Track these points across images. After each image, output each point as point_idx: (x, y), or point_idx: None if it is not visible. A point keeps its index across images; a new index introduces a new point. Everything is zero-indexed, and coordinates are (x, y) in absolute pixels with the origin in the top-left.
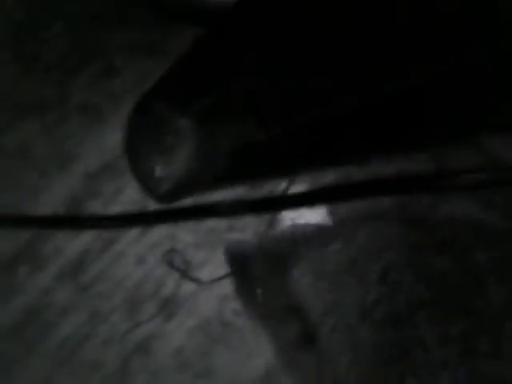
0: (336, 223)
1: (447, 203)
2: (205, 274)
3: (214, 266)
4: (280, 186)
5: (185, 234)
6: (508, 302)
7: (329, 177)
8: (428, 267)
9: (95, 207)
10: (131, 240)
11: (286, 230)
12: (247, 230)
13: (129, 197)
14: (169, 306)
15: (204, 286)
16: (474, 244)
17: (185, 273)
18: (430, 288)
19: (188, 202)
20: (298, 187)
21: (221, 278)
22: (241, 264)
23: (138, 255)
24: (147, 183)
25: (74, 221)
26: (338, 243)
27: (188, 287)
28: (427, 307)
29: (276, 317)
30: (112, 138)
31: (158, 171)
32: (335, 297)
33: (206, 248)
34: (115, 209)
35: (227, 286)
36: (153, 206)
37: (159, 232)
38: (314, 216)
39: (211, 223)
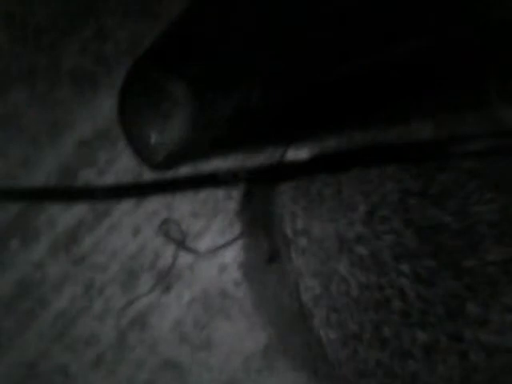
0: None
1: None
2: (203, 244)
3: (212, 235)
4: (279, 153)
5: (181, 204)
6: (503, 266)
7: (329, 144)
8: (420, 217)
9: (89, 176)
10: (126, 210)
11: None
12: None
13: (123, 165)
14: (166, 278)
15: (202, 256)
16: (475, 196)
17: (182, 244)
18: (420, 239)
19: (184, 170)
20: (298, 154)
21: (219, 248)
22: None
23: (133, 226)
24: (142, 151)
25: (66, 192)
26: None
27: (186, 258)
28: (413, 259)
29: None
30: (105, 104)
31: (154, 139)
32: (313, 222)
33: (204, 218)
34: (109, 178)
35: (226, 256)
36: (148, 174)
37: (155, 202)
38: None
39: (208, 192)
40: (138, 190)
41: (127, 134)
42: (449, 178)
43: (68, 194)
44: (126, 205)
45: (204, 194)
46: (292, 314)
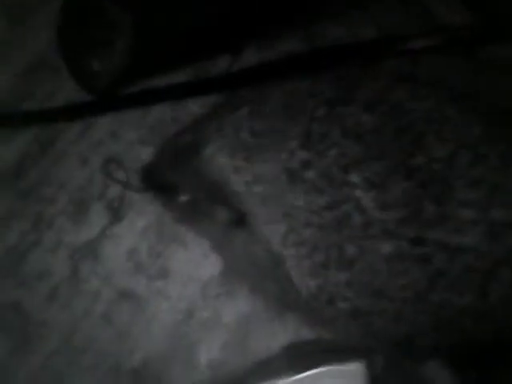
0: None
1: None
2: None
3: None
4: (224, 65)
5: (128, 131)
6: (449, 162)
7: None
8: (356, 123)
9: (31, 107)
10: (72, 140)
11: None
12: None
13: (65, 96)
14: (117, 207)
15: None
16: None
17: (125, 184)
18: (361, 145)
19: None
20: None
21: None
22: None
23: (80, 155)
24: (84, 79)
25: (8, 125)
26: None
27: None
28: (360, 166)
29: (202, 208)
30: (43, 34)
31: (95, 65)
32: (258, 166)
33: (152, 144)
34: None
35: None
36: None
37: (101, 130)
38: None
39: (154, 117)
40: (81, 111)
41: (67, 61)
42: (377, 84)
43: (11, 126)
44: (70, 134)
45: (151, 119)
46: (265, 266)
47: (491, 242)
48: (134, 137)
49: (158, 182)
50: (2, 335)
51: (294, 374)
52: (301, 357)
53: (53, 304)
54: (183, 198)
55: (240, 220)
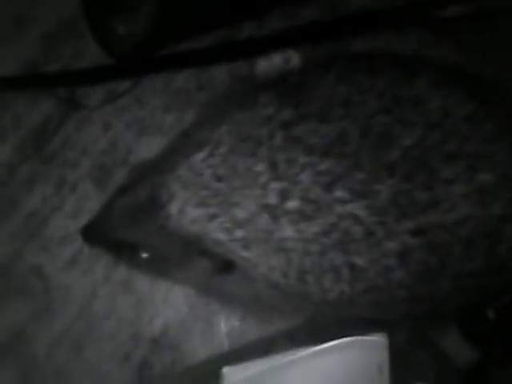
0: None
1: None
2: None
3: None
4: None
5: (152, 97)
6: (423, 142)
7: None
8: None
9: (55, 71)
10: (95, 104)
11: None
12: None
13: (89, 59)
14: None
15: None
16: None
17: None
18: (332, 159)
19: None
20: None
21: None
22: None
23: (103, 121)
24: (109, 43)
25: (32, 88)
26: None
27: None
28: (342, 179)
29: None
30: None
31: (120, 30)
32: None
33: (176, 110)
34: (76, 72)
35: None
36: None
37: (125, 96)
38: None
39: (179, 84)
40: (106, 76)
41: (93, 26)
42: (321, 91)
43: (35, 90)
44: (94, 99)
45: (175, 86)
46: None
47: (485, 206)
48: (157, 103)
49: (106, 240)
50: (23, 300)
51: (316, 345)
52: (323, 329)
53: (74, 269)
54: (145, 256)
55: (226, 266)
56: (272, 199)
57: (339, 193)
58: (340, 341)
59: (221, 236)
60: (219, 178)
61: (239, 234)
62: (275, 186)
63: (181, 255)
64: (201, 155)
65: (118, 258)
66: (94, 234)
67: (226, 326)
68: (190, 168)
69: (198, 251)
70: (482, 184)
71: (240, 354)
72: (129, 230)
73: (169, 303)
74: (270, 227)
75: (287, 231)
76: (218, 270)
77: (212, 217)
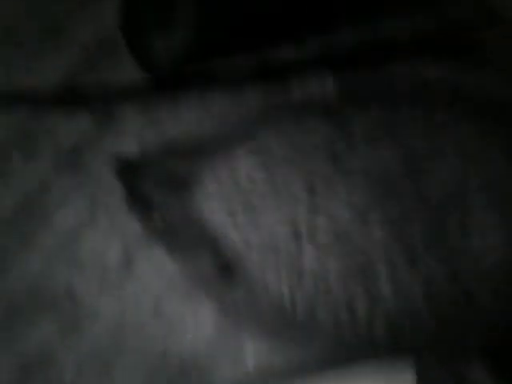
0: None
1: None
2: None
3: None
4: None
5: (186, 112)
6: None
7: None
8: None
9: (91, 86)
10: (130, 118)
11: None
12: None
13: (127, 72)
14: None
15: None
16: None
17: None
18: (370, 188)
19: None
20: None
21: None
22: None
23: (139, 135)
24: (145, 59)
25: (69, 103)
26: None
27: None
28: (377, 209)
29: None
30: (108, 10)
31: (156, 45)
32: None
33: (211, 126)
34: (113, 86)
35: None
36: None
37: (160, 110)
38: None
39: (213, 99)
40: (142, 93)
41: (129, 40)
42: (370, 119)
43: (71, 104)
44: (129, 113)
45: (209, 102)
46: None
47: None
48: (192, 118)
49: (136, 188)
50: (52, 317)
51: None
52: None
53: (104, 289)
54: (157, 220)
55: (228, 269)
56: (300, 215)
57: (370, 223)
58: (364, 365)
59: (236, 237)
60: (253, 181)
61: (255, 240)
62: (307, 203)
63: (190, 240)
64: (242, 151)
65: (140, 214)
66: (129, 173)
67: (254, 357)
68: (227, 160)
69: (207, 243)
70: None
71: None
72: (156, 192)
73: (198, 326)
74: (291, 248)
75: (305, 260)
76: (218, 269)
77: (232, 215)
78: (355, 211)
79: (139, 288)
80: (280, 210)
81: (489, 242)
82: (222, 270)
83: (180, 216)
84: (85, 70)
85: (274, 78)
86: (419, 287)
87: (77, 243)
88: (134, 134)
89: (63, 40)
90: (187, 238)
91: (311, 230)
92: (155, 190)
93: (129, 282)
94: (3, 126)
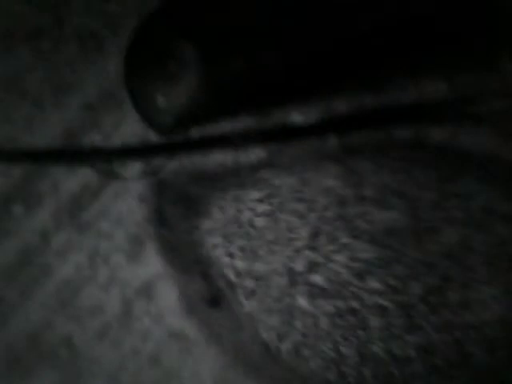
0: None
1: None
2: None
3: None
4: (290, 115)
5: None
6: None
7: (338, 106)
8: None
9: (94, 140)
10: (133, 176)
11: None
12: None
13: (129, 129)
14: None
15: None
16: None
17: None
18: (375, 247)
19: (192, 134)
20: (307, 116)
21: None
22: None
23: (139, 192)
24: (149, 114)
25: (72, 154)
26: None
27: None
28: (378, 270)
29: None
30: (111, 65)
31: (160, 101)
32: (254, 259)
33: (209, 187)
34: (115, 142)
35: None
36: (155, 138)
37: (163, 166)
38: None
39: (215, 158)
40: (145, 153)
41: (133, 96)
42: (380, 178)
43: (73, 156)
44: (132, 171)
45: (212, 160)
46: (254, 352)
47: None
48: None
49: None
50: (52, 369)
51: None
52: None
53: (103, 341)
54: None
55: (217, 301)
56: (299, 266)
57: (371, 283)
58: None
59: (231, 275)
60: (254, 225)
61: (250, 283)
62: (308, 254)
63: (187, 264)
64: (251, 194)
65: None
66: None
67: None
68: (236, 200)
69: (202, 271)
70: None
71: None
72: (168, 208)
73: (197, 378)
74: (285, 291)
75: (301, 301)
76: (207, 297)
77: (231, 255)
78: (355, 269)
79: (138, 338)
80: (279, 261)
81: (489, 314)
82: (212, 297)
83: (184, 236)
84: (88, 124)
85: (275, 140)
86: (414, 351)
87: (77, 294)
88: (135, 189)
89: (66, 93)
90: (184, 260)
91: (308, 285)
92: (168, 206)
93: (128, 333)
94: (4, 179)
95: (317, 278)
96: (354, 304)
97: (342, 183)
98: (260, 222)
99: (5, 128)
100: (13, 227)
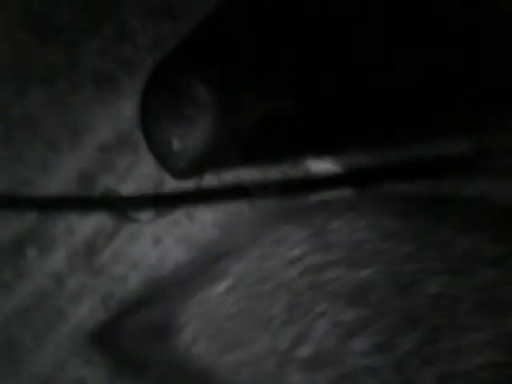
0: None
1: None
2: None
3: None
4: (308, 165)
5: (205, 213)
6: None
7: (358, 158)
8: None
9: (108, 183)
10: (147, 219)
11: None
12: None
13: (144, 172)
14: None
15: None
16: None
17: None
18: (356, 309)
19: (208, 178)
20: (326, 166)
21: None
22: None
23: (154, 235)
24: (164, 157)
25: (86, 198)
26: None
27: None
28: (363, 333)
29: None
30: (126, 107)
31: (176, 144)
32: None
33: (226, 226)
34: (130, 185)
35: None
36: (170, 181)
37: (177, 210)
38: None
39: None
40: (159, 201)
41: (148, 138)
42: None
43: (87, 202)
44: (146, 214)
45: (227, 204)
46: None
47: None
48: (209, 219)
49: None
50: None
51: None
52: None
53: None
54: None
55: None
56: (282, 344)
57: (357, 345)
58: None
59: (226, 375)
60: (231, 317)
61: (244, 375)
62: (288, 331)
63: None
64: (217, 289)
65: (122, 368)
66: (102, 339)
67: None
68: (205, 300)
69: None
70: (508, 330)
71: None
72: (138, 347)
73: None
74: (276, 372)
75: (294, 378)
76: None
77: (219, 354)
78: (339, 334)
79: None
80: (261, 345)
81: (483, 359)
82: None
83: (163, 363)
84: (102, 166)
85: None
86: None
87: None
88: (149, 232)
89: (81, 135)
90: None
91: (297, 360)
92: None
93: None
94: (19, 221)
95: (304, 351)
96: (345, 370)
97: (308, 249)
98: (233, 313)
99: (19, 170)
100: (27, 270)
